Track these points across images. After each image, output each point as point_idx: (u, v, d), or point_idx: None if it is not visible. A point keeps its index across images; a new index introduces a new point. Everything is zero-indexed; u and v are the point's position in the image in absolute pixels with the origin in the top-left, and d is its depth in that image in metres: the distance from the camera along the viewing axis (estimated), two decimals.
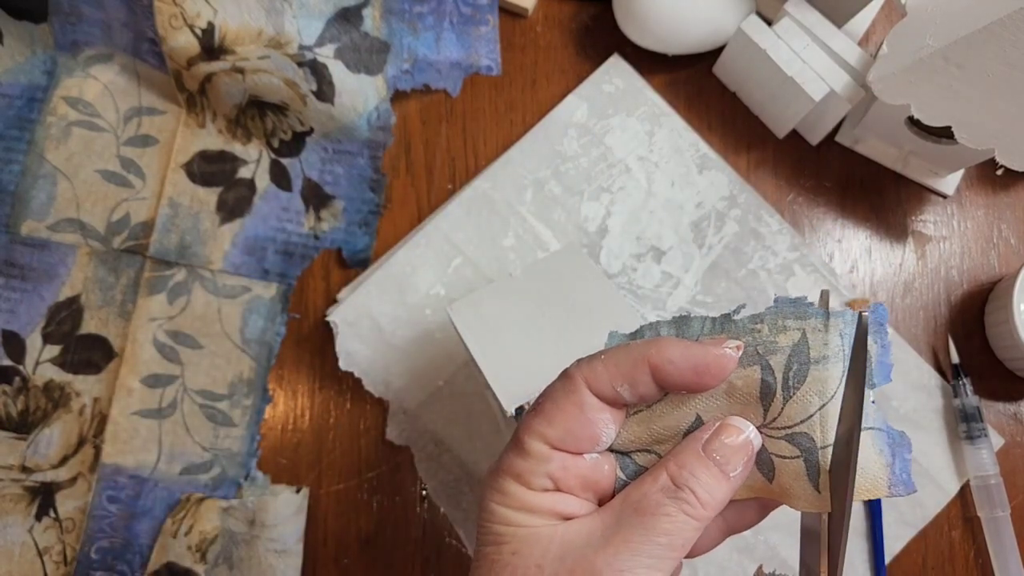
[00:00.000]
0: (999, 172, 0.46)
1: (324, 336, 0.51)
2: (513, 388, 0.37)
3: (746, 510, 0.32)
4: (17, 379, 0.50)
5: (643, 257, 0.52)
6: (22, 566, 0.49)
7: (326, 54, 0.51)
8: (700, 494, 0.28)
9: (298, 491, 0.50)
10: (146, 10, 0.49)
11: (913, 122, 0.49)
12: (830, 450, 0.29)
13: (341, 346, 0.50)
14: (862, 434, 0.29)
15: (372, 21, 0.52)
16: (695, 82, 0.55)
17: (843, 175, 0.54)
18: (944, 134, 0.48)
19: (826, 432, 0.30)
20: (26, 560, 0.49)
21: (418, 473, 0.50)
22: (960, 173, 0.53)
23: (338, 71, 0.51)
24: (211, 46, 0.49)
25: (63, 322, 0.51)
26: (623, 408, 0.30)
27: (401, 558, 0.50)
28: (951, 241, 0.54)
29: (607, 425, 0.29)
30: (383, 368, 0.50)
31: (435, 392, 0.50)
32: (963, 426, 0.50)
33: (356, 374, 0.50)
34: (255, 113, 0.52)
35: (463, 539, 0.50)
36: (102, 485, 0.49)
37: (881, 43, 0.48)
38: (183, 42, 0.49)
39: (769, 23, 0.50)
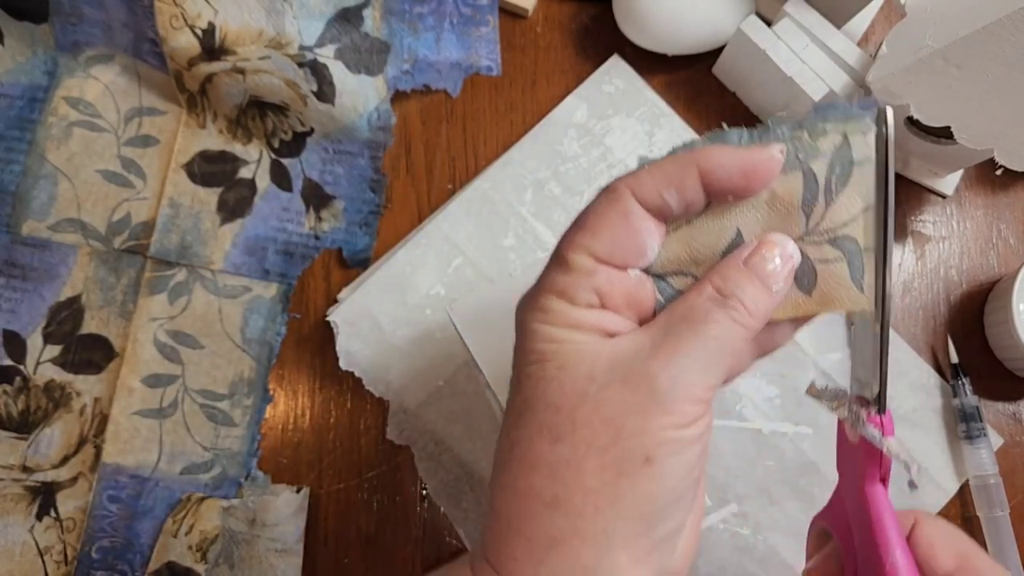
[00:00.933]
0: (998, 172, 0.46)
1: (324, 336, 0.51)
2: None
3: (777, 328, 0.32)
4: (18, 379, 0.50)
5: None
6: (23, 566, 0.49)
7: (326, 54, 0.51)
8: (747, 302, 0.28)
9: (298, 491, 0.50)
10: (147, 10, 0.49)
11: (912, 122, 0.49)
12: (872, 252, 0.29)
13: (341, 346, 0.50)
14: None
15: (372, 21, 0.53)
16: (695, 82, 0.55)
17: None
18: (943, 134, 0.48)
19: (868, 234, 0.30)
20: (27, 560, 0.49)
21: (418, 473, 0.50)
22: (959, 173, 0.53)
23: (338, 71, 0.51)
24: (212, 46, 0.49)
25: (64, 322, 0.51)
26: (666, 222, 0.29)
27: (401, 558, 0.50)
28: (950, 241, 0.54)
29: (652, 235, 0.29)
30: (383, 368, 0.50)
31: (435, 392, 0.50)
32: (962, 426, 0.50)
33: (356, 374, 0.50)
34: (256, 113, 0.52)
35: (463, 539, 0.50)
36: (103, 485, 0.49)
37: (880, 43, 0.48)
38: (184, 42, 0.49)
39: (769, 23, 0.50)
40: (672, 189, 0.28)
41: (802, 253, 0.30)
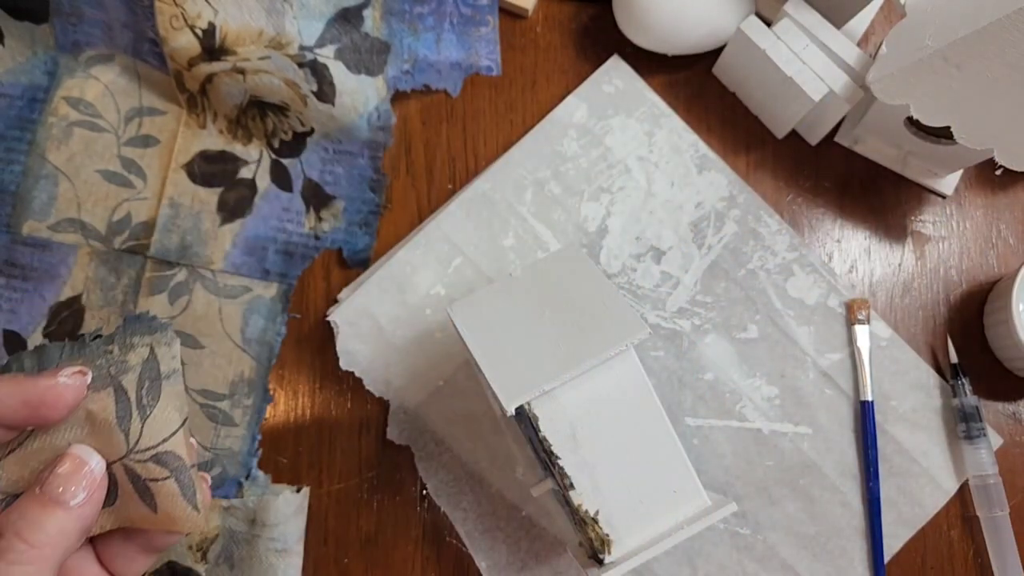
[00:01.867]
0: (998, 172, 0.46)
1: (325, 336, 0.52)
2: (513, 387, 0.37)
3: (133, 551, 0.31)
4: None
5: (643, 257, 0.52)
6: None
7: (327, 55, 0.51)
8: (29, 535, 0.27)
9: (298, 490, 0.50)
10: (147, 11, 0.49)
11: (912, 122, 0.49)
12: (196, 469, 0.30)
13: (341, 346, 0.50)
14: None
15: (372, 22, 0.53)
16: (695, 83, 0.55)
17: (842, 175, 0.54)
18: (943, 134, 0.48)
19: (191, 448, 0.30)
20: None
21: (418, 472, 0.50)
22: (959, 173, 0.53)
23: (338, 72, 0.51)
24: (212, 47, 0.49)
25: (64, 322, 0.51)
26: None
27: (401, 557, 0.50)
28: (950, 241, 0.54)
29: None
30: (383, 368, 0.50)
31: (435, 391, 0.50)
32: (962, 426, 0.50)
33: (356, 374, 0.50)
34: (256, 113, 0.52)
35: (463, 538, 0.50)
36: None
37: (880, 44, 0.48)
38: (184, 43, 0.49)
39: (768, 24, 0.50)
40: None
41: (132, 472, 0.29)
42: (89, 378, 0.30)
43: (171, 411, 0.30)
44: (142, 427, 0.30)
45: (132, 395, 0.30)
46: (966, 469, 0.50)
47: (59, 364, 0.30)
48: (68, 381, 0.29)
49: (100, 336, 0.31)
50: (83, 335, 0.31)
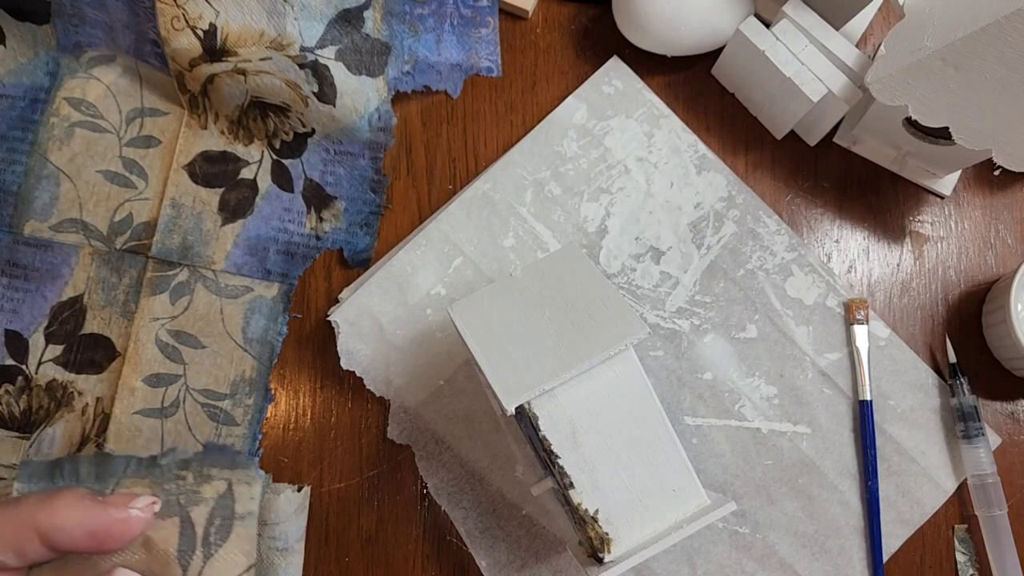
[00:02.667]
0: (996, 173, 0.46)
1: (326, 336, 0.52)
2: (513, 387, 0.37)
3: None
4: (20, 378, 0.51)
5: (642, 257, 0.52)
6: None
7: (327, 56, 0.51)
8: None
9: (299, 490, 0.50)
10: (148, 12, 0.49)
11: (911, 123, 0.50)
12: None
13: (342, 345, 0.50)
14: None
15: (373, 23, 0.53)
16: (694, 83, 0.55)
17: (841, 176, 0.54)
18: (942, 135, 0.48)
19: None
20: None
21: (419, 472, 0.50)
22: (957, 174, 0.53)
23: (339, 73, 0.51)
24: (213, 47, 0.50)
25: (66, 322, 0.51)
26: (17, 571, 0.27)
27: (402, 556, 0.50)
28: (948, 241, 0.54)
29: None
30: (384, 367, 0.50)
31: (436, 391, 0.51)
32: (960, 425, 0.50)
33: (357, 373, 0.50)
34: (257, 114, 0.53)
35: (463, 537, 0.50)
36: None
37: (879, 45, 0.48)
38: (185, 43, 0.49)
39: (767, 25, 0.51)
40: (9, 553, 0.26)
41: None
42: (158, 507, 0.27)
43: (238, 554, 0.28)
44: (203, 566, 0.28)
45: (199, 530, 0.28)
46: (964, 468, 0.50)
47: (121, 480, 0.27)
48: (141, 515, 0.27)
49: (173, 451, 0.29)
50: (155, 455, 0.28)
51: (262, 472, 0.29)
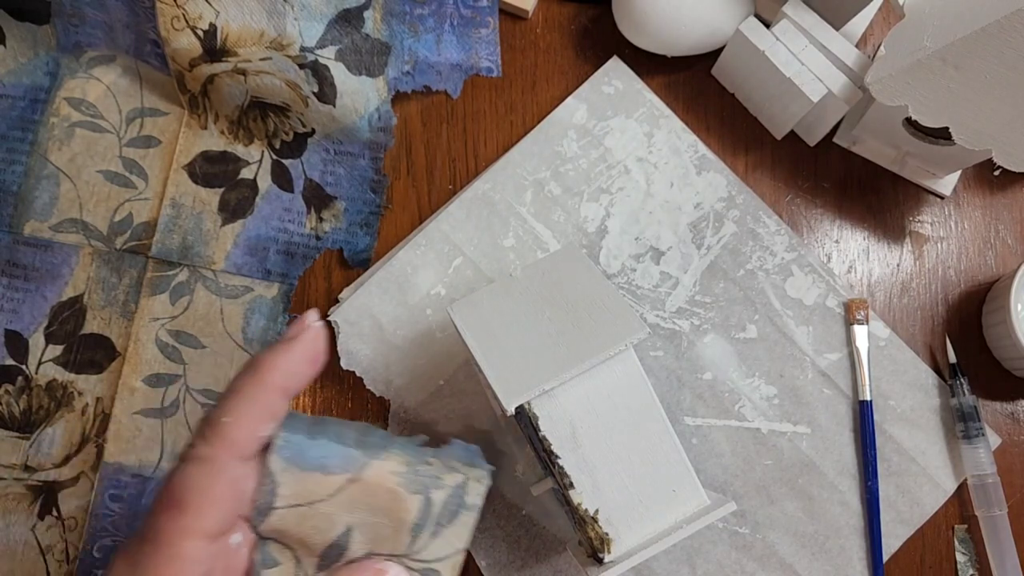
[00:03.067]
0: (996, 173, 0.46)
1: (325, 336, 0.52)
2: (513, 387, 0.37)
3: None
4: (20, 378, 0.51)
5: (642, 257, 0.52)
6: (25, 565, 0.49)
7: (327, 56, 0.51)
8: None
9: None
10: (148, 12, 0.49)
11: (911, 123, 0.50)
12: None
13: (343, 346, 0.50)
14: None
15: (373, 23, 0.53)
16: (694, 84, 0.55)
17: (841, 176, 0.54)
18: (942, 135, 0.48)
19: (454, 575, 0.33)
20: (28, 559, 0.49)
21: None
22: (957, 174, 0.53)
23: (339, 73, 0.51)
24: (213, 48, 0.50)
25: (66, 322, 0.51)
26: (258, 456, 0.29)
27: None
28: (948, 241, 0.54)
29: (250, 482, 0.29)
30: (384, 367, 0.50)
31: (436, 391, 0.51)
32: (960, 425, 0.50)
33: (357, 373, 0.50)
34: (257, 114, 0.53)
35: None
36: (104, 484, 0.50)
37: (879, 45, 0.48)
38: (185, 43, 0.49)
39: (767, 25, 0.51)
40: (265, 424, 0.28)
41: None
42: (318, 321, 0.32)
43: (456, 539, 0.32)
44: (429, 541, 0.32)
45: (435, 510, 0.32)
46: (964, 469, 0.50)
47: (381, 453, 0.32)
48: (315, 319, 0.31)
49: (421, 438, 0.34)
50: (413, 436, 0.34)
51: (490, 475, 0.34)
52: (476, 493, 0.33)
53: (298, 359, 0.30)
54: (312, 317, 0.31)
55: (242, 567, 0.29)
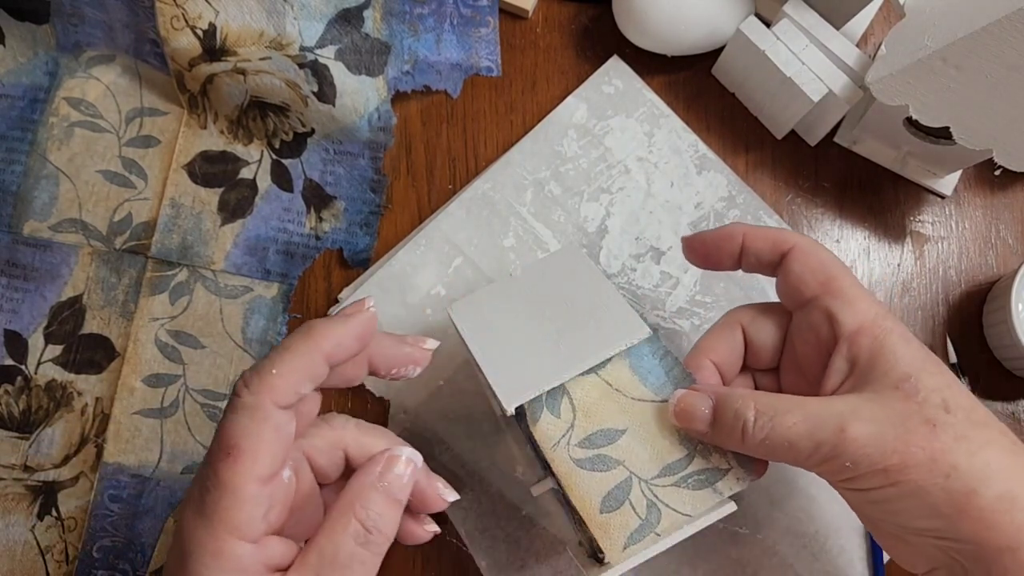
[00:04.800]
0: (997, 173, 0.46)
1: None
2: (513, 387, 0.37)
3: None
4: (19, 378, 0.51)
5: (642, 257, 0.52)
6: (24, 565, 0.49)
7: (327, 55, 0.51)
8: (386, 528, 0.31)
9: None
10: (148, 11, 0.49)
11: (911, 123, 0.49)
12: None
13: None
14: None
15: (373, 22, 0.53)
16: (694, 83, 0.55)
17: (841, 176, 0.54)
18: (942, 135, 0.48)
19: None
20: (28, 559, 0.49)
21: None
22: (958, 174, 0.53)
23: (339, 72, 0.51)
24: (212, 47, 0.49)
25: (65, 322, 0.51)
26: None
27: (401, 556, 0.50)
28: (949, 241, 0.54)
29: (291, 428, 0.31)
30: None
31: (435, 391, 0.51)
32: None
33: None
34: (256, 114, 0.52)
35: (463, 537, 0.50)
36: (104, 484, 0.50)
37: (879, 44, 0.48)
38: (185, 43, 0.49)
39: (768, 24, 0.51)
40: (307, 382, 0.31)
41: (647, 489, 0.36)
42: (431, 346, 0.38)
43: (686, 502, 0.36)
44: (668, 484, 0.36)
45: (690, 469, 0.36)
46: None
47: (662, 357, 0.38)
48: (373, 310, 0.34)
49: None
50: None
51: (747, 484, 0.37)
52: (728, 487, 0.36)
53: (350, 334, 0.32)
54: (370, 303, 0.34)
55: (288, 494, 0.32)
